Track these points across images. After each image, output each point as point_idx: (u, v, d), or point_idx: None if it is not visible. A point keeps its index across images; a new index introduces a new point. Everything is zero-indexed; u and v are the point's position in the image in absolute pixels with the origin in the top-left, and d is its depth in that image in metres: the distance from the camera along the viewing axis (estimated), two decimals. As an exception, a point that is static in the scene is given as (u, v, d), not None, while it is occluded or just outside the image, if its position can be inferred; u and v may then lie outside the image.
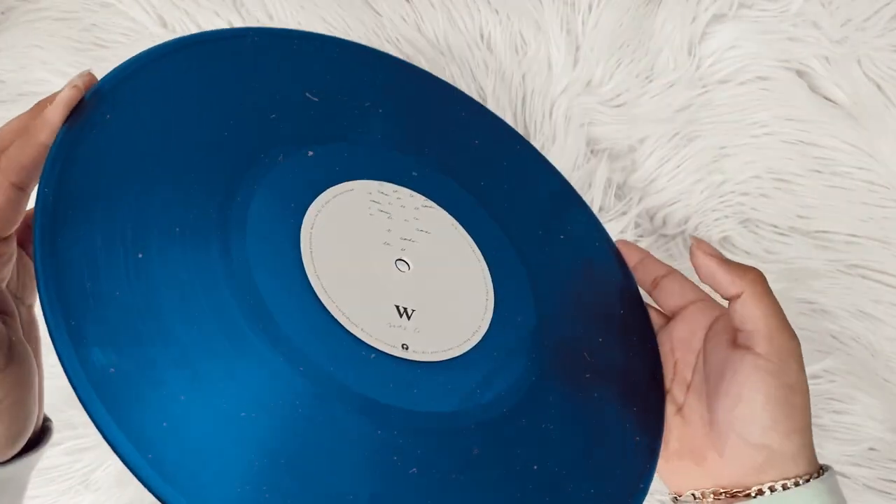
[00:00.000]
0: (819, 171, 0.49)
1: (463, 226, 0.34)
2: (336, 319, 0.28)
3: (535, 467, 0.28)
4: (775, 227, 0.49)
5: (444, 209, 0.34)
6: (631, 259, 0.37)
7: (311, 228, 0.30)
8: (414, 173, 0.34)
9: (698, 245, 0.33)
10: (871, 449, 0.46)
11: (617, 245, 0.38)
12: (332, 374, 0.27)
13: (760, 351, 0.30)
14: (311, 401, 0.27)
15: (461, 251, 0.33)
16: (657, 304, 0.37)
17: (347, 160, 0.33)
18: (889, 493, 0.46)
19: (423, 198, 0.34)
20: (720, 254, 0.33)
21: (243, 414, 0.26)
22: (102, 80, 0.31)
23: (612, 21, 0.50)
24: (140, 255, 0.27)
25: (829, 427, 0.46)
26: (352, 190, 0.32)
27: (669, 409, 0.33)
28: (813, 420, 0.46)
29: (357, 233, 0.31)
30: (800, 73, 0.50)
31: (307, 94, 0.35)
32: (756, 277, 0.31)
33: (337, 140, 0.34)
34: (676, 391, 0.34)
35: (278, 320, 0.28)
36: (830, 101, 0.50)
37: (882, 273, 0.48)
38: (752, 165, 0.49)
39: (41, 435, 0.31)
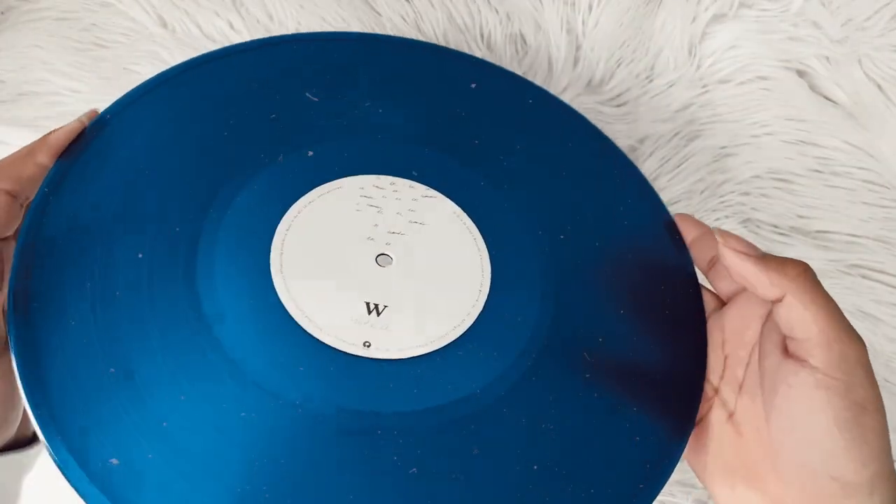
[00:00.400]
0: (819, 171, 0.49)
1: (469, 213, 0.32)
2: (295, 320, 0.28)
3: (536, 467, 0.28)
4: (775, 227, 0.48)
5: (449, 197, 0.32)
6: (688, 234, 0.32)
7: (287, 230, 0.30)
8: (416, 167, 0.33)
9: (726, 241, 0.27)
10: (872, 449, 0.46)
11: (675, 219, 0.34)
12: (292, 381, 0.27)
13: (818, 364, 0.25)
14: (274, 414, 0.27)
15: (459, 242, 0.32)
16: (713, 287, 0.32)
17: (347, 159, 0.33)
18: (889, 494, 0.46)
19: (425, 187, 0.32)
20: (753, 248, 0.27)
21: (216, 448, 0.26)
22: (105, 110, 0.32)
23: (612, 21, 0.50)
24: (117, 291, 0.29)
25: (830, 427, 0.46)
26: (340, 187, 0.32)
27: (720, 415, 0.29)
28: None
29: (338, 230, 0.31)
30: (800, 73, 0.50)
31: (307, 95, 0.35)
32: (799, 273, 0.26)
33: (338, 138, 0.34)
34: (727, 392, 0.29)
35: (238, 335, 0.28)
36: (831, 101, 0.50)
37: (882, 273, 0.47)
38: (753, 165, 0.49)
39: (31, 442, 0.31)
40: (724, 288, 0.31)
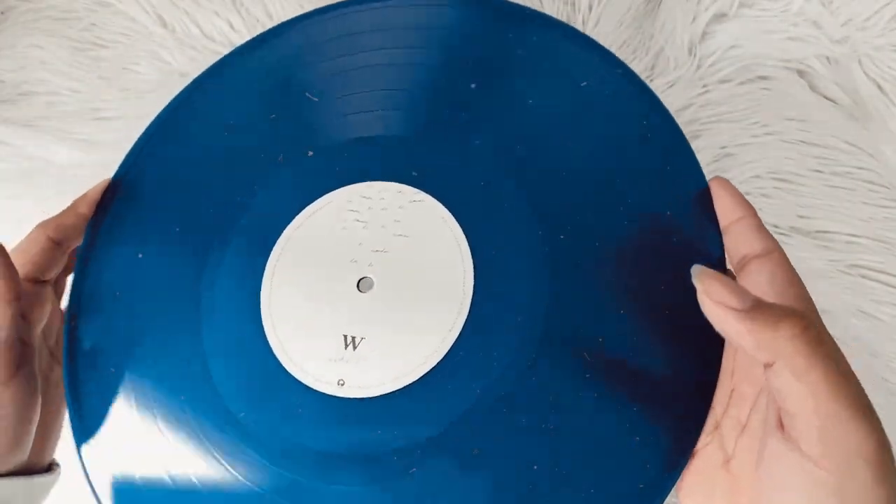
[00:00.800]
0: (820, 171, 0.49)
1: (459, 216, 0.30)
2: (279, 360, 0.29)
3: (536, 467, 0.28)
4: (776, 227, 0.49)
5: (441, 199, 0.31)
6: (724, 216, 0.26)
7: (277, 261, 0.30)
8: (415, 167, 0.32)
9: (706, 287, 0.21)
10: (872, 449, 0.46)
11: (710, 186, 0.27)
12: (270, 419, 0.28)
13: (808, 450, 0.19)
14: (249, 446, 0.28)
15: (443, 252, 0.30)
16: None
17: (347, 159, 0.33)
18: (889, 494, 0.46)
19: (415, 190, 0.31)
20: (742, 296, 0.21)
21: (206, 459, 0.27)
22: (126, 158, 0.35)
23: (612, 20, 0.50)
24: (116, 291, 0.31)
25: (830, 427, 0.46)
26: (330, 202, 0.31)
27: (716, 456, 0.25)
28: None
29: (324, 255, 0.30)
30: (800, 73, 0.50)
31: (307, 94, 0.34)
32: (796, 335, 0.19)
33: (334, 138, 0.34)
34: (727, 431, 0.25)
35: (222, 366, 0.29)
36: (831, 100, 0.50)
37: (883, 273, 0.47)
38: (753, 165, 0.49)
39: (46, 471, 0.32)
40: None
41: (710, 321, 0.22)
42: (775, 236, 0.50)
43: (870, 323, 0.47)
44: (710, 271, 0.22)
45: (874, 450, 0.19)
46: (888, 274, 0.47)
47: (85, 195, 0.34)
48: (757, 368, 0.24)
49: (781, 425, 0.21)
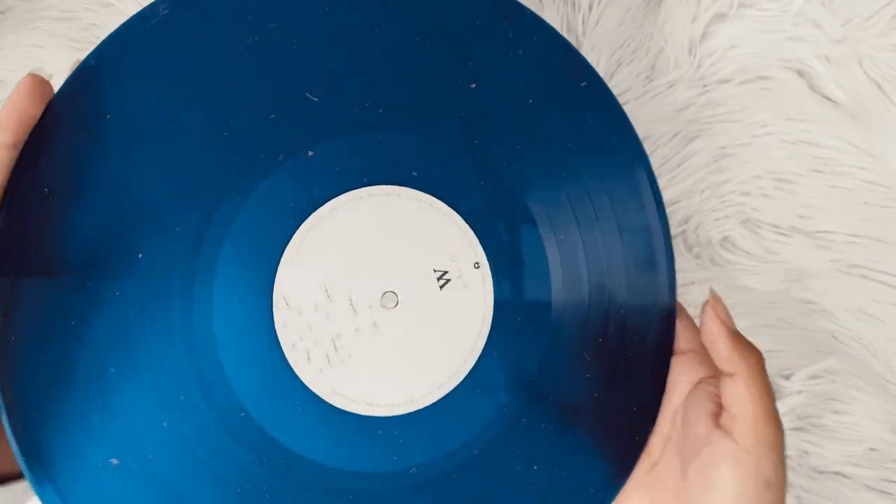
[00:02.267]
0: (820, 171, 0.49)
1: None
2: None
3: (535, 467, 0.28)
4: (776, 227, 0.49)
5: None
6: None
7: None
8: (414, 173, 0.31)
9: (714, 304, 0.30)
10: (872, 449, 0.46)
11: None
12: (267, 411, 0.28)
13: (741, 441, 0.28)
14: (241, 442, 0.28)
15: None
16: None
17: (347, 161, 0.32)
18: (889, 493, 0.46)
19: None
20: (731, 323, 0.30)
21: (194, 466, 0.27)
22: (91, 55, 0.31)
23: (612, 20, 0.50)
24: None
25: (830, 427, 0.46)
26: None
27: (643, 465, 0.32)
28: (813, 420, 0.46)
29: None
30: (800, 73, 0.50)
31: (307, 94, 0.34)
32: (757, 361, 0.29)
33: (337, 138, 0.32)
34: (654, 444, 0.32)
35: (227, 360, 0.28)
36: (831, 100, 0.50)
37: (883, 273, 0.47)
38: (753, 165, 0.49)
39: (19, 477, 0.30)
40: (679, 344, 0.33)
41: (702, 327, 0.30)
42: (775, 236, 0.50)
43: (870, 323, 0.47)
44: (718, 297, 0.31)
45: (782, 444, 0.28)
46: (889, 274, 0.47)
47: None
48: (672, 394, 0.32)
49: (718, 423, 0.29)
